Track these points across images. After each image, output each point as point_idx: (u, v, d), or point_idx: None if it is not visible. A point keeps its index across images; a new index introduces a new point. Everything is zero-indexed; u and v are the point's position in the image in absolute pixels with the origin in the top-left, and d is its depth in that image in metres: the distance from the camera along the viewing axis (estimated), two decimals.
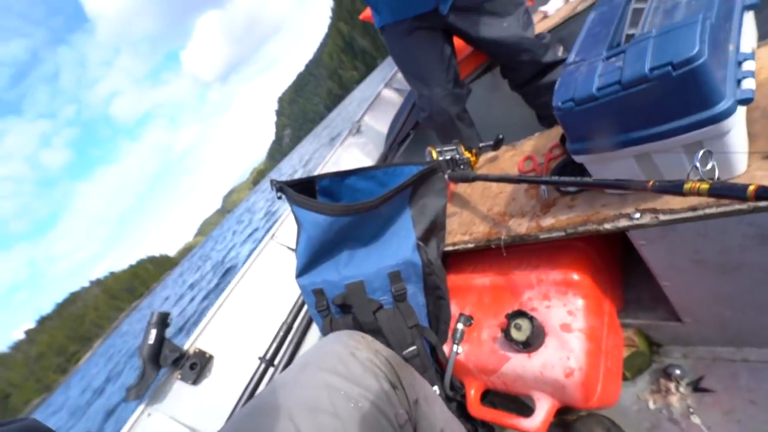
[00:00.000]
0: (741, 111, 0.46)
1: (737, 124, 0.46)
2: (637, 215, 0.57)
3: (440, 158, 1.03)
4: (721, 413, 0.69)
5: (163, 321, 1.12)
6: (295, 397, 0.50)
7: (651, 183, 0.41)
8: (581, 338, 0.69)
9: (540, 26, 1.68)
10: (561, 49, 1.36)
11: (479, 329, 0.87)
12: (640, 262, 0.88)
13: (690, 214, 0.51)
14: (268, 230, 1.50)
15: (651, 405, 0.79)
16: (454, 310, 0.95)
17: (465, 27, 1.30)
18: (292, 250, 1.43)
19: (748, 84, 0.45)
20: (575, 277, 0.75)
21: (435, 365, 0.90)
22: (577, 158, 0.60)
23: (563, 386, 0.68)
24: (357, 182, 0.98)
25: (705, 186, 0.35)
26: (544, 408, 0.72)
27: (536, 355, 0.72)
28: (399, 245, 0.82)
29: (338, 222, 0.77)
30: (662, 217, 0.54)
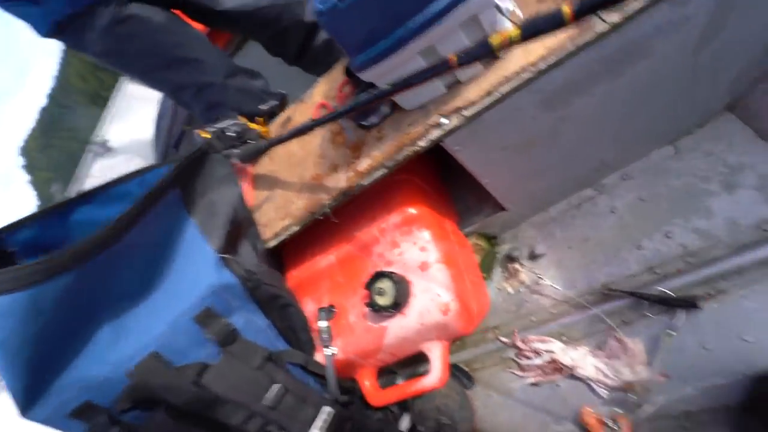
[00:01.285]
0: None
1: None
2: (445, 120, 0.50)
3: (213, 135, 0.77)
4: (555, 267, 0.79)
5: None
6: None
7: (453, 58, 0.32)
8: (442, 269, 0.63)
9: None
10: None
11: (345, 314, 0.73)
12: (454, 174, 0.89)
13: (488, 100, 0.47)
14: None
15: (510, 290, 0.85)
16: (311, 308, 0.78)
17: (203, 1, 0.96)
18: None
19: None
20: (412, 211, 0.68)
21: (316, 381, 0.72)
22: (364, 75, 0.48)
23: (445, 324, 0.62)
24: (96, 212, 0.62)
25: (516, 32, 0.27)
26: (437, 356, 0.65)
27: (409, 309, 0.64)
28: (195, 272, 0.55)
29: (47, 293, 0.43)
30: (466, 113, 0.49)
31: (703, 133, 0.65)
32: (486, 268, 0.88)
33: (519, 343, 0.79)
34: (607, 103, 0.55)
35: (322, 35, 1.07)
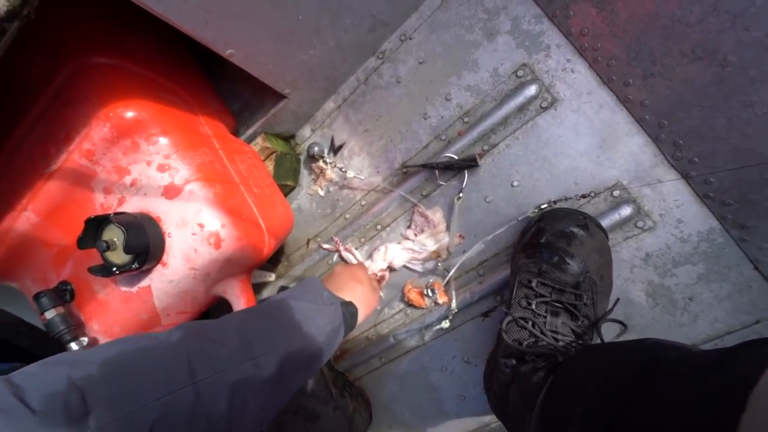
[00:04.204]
0: None
1: None
2: None
3: None
4: (357, 155, 0.71)
5: None
6: None
7: None
8: (198, 189, 0.46)
9: None
10: None
11: (88, 288, 0.50)
12: (221, 68, 0.65)
13: None
14: None
15: (321, 192, 0.76)
16: (36, 290, 0.51)
17: None
18: None
19: None
20: (129, 114, 0.44)
21: None
22: None
23: (226, 259, 0.48)
24: None
25: None
26: (235, 297, 0.52)
27: (169, 255, 0.46)
28: None
29: None
30: None
31: None
32: (290, 173, 0.75)
33: (344, 254, 0.74)
34: None
35: None
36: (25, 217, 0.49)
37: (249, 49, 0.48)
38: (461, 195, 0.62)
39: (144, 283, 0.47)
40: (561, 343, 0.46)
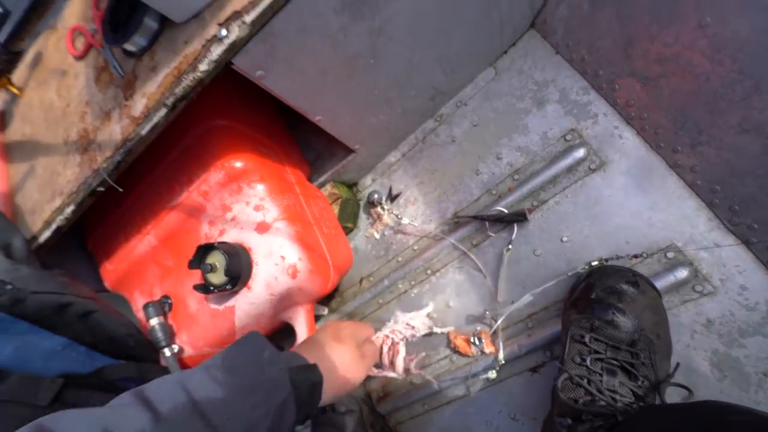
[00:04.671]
0: None
1: None
2: (224, 32, 0.39)
3: None
4: (412, 204, 0.79)
5: None
6: None
7: None
8: (283, 227, 0.55)
9: None
10: None
11: (184, 303, 0.60)
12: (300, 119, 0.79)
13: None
14: None
15: (376, 235, 0.83)
16: (142, 303, 0.62)
17: None
18: None
19: None
20: (237, 164, 0.56)
21: None
22: None
23: (299, 288, 0.55)
24: None
25: None
26: (300, 323, 0.59)
27: (254, 281, 0.54)
28: None
29: None
30: (248, 19, 0.38)
31: (515, 52, 0.68)
32: (351, 217, 0.84)
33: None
34: (418, 10, 0.50)
35: None
36: (147, 241, 0.61)
37: (333, 116, 0.59)
38: (510, 247, 0.66)
39: (230, 302, 0.56)
40: (620, 404, 0.45)
